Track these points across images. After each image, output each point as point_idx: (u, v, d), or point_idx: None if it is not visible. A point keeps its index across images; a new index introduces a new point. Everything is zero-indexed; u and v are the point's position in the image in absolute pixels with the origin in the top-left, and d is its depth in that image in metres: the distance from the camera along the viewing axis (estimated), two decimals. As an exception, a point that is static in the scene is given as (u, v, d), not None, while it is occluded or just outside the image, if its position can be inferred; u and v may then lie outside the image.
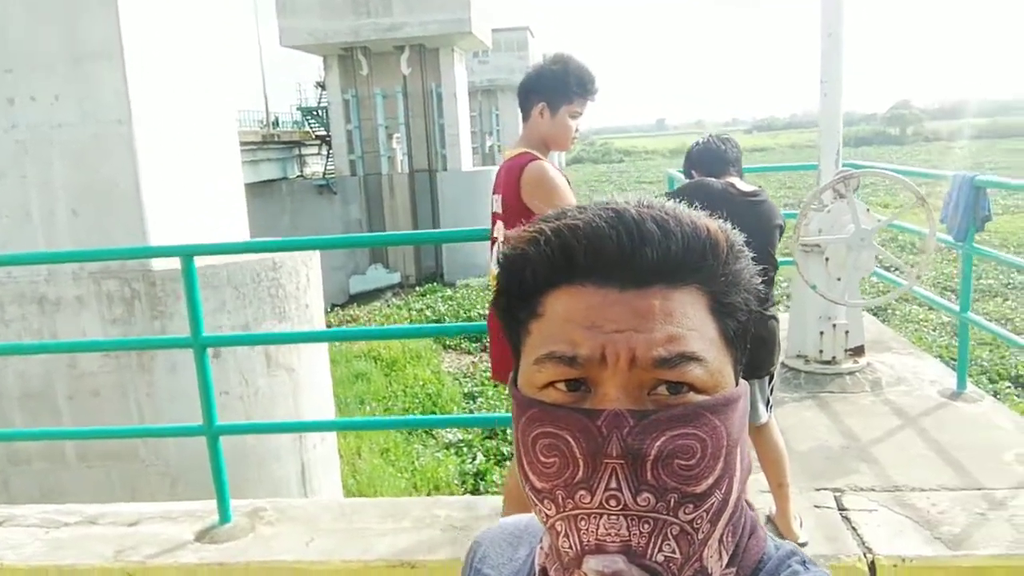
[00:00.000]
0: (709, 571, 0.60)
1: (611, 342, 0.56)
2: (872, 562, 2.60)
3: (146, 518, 3.27)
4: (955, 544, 2.65)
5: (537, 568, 0.68)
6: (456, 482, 8.50)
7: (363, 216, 24.20)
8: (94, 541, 3.10)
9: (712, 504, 0.57)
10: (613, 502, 0.55)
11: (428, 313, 16.83)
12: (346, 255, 21.80)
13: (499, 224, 2.63)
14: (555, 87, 2.57)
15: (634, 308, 0.57)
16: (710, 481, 0.57)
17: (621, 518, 0.55)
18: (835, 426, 3.79)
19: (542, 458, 0.58)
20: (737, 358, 0.62)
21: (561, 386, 0.58)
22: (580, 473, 0.56)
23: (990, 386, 8.96)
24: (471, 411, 10.53)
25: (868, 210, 4.03)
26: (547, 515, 0.59)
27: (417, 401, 10.91)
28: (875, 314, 7.50)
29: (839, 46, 4.27)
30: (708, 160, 2.94)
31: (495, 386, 11.18)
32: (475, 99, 37.34)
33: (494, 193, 2.67)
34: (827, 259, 4.09)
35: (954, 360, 5.17)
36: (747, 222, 3.04)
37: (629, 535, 0.56)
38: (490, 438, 9.28)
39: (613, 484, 0.55)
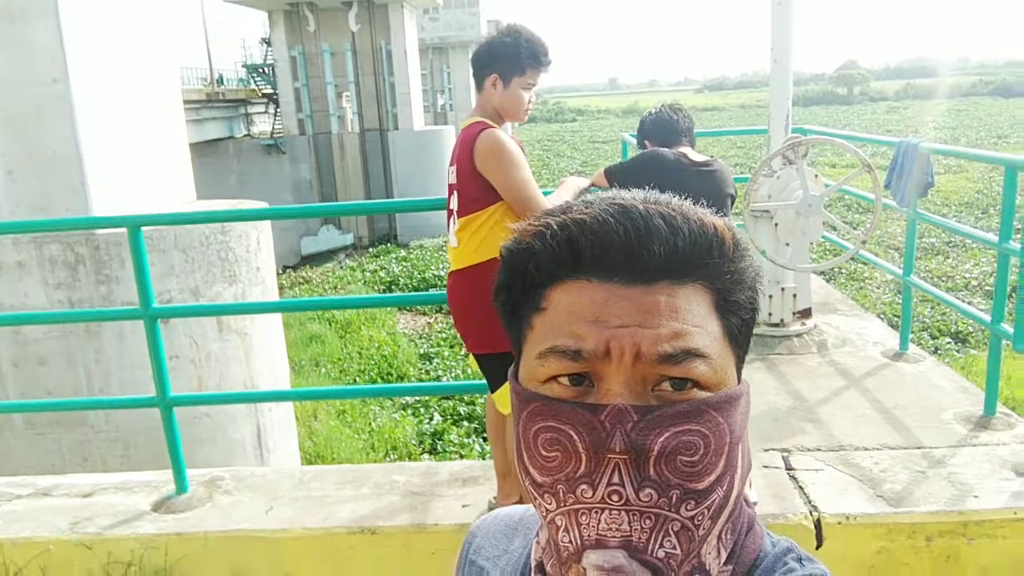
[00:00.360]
0: (707, 567, 0.60)
1: (616, 337, 0.56)
2: (818, 520, 2.71)
3: (100, 489, 3.24)
4: (896, 502, 2.78)
5: (533, 562, 0.68)
6: (414, 443, 8.55)
7: (313, 176, 23.78)
8: (49, 513, 3.06)
9: (714, 501, 0.57)
10: (615, 497, 0.55)
11: (382, 275, 16.70)
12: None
13: (455, 195, 2.62)
14: (507, 59, 2.55)
15: (639, 304, 0.57)
16: (712, 478, 0.57)
17: (623, 513, 0.55)
18: (783, 388, 3.91)
19: (543, 452, 0.58)
20: (740, 356, 0.63)
21: (564, 380, 0.58)
22: (582, 468, 0.56)
23: (932, 342, 9.27)
24: (427, 372, 10.54)
25: (816, 176, 4.11)
26: (547, 509, 0.59)
27: (373, 363, 10.88)
28: (822, 274, 7.69)
29: (789, 14, 4.31)
30: (661, 131, 2.96)
31: (451, 347, 11.22)
32: (426, 57, 36.68)
33: (450, 165, 2.66)
34: (776, 224, 4.17)
35: (897, 319, 5.34)
36: (699, 192, 3.08)
37: (630, 530, 0.55)
38: (447, 399, 9.32)
39: (616, 479, 0.55)
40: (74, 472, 4.55)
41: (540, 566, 0.66)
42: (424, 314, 13.59)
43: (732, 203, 2.92)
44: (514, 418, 0.62)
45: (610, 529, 0.55)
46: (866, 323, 4.87)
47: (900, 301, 5.00)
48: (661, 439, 0.55)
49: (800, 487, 2.91)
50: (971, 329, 9.54)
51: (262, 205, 5.52)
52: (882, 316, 9.05)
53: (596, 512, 0.56)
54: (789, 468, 3.06)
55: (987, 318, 3.46)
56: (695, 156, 2.83)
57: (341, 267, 18.98)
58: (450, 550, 2.86)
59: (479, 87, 2.63)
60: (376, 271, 17.23)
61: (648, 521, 0.55)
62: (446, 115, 38.44)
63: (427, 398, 9.39)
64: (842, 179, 4.13)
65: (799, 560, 0.63)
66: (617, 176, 2.89)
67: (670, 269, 0.57)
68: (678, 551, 0.56)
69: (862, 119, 36.54)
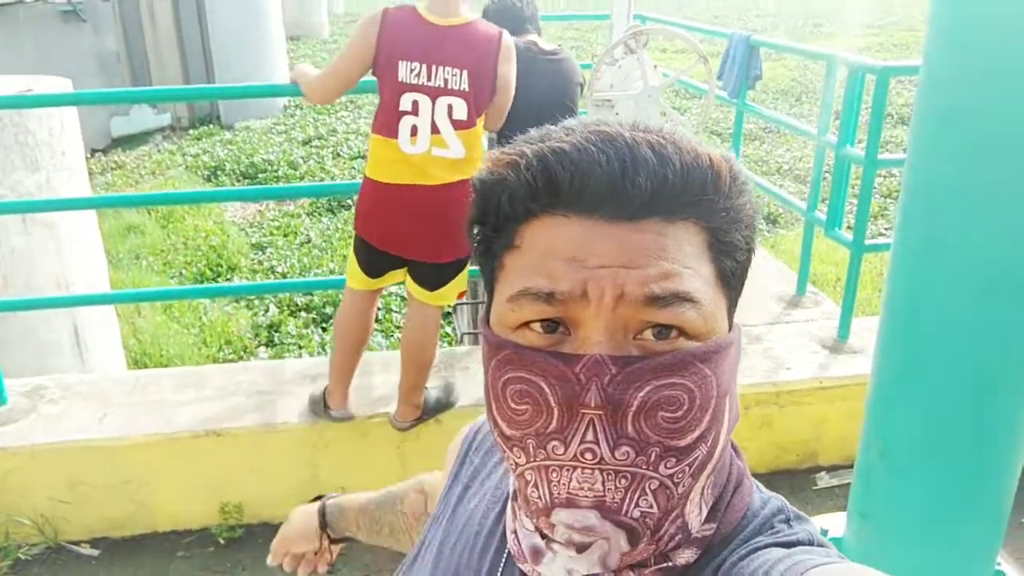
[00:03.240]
0: (689, 525, 0.56)
1: (595, 278, 0.50)
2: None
3: (-102, 406, 2.93)
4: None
5: (510, 489, 0.65)
6: (249, 335, 8.30)
7: (120, 48, 21.45)
8: None
9: (696, 458, 0.52)
10: (589, 455, 0.51)
11: (206, 159, 15.57)
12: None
13: (458, 101, 2.48)
14: None
15: (623, 242, 0.51)
16: (696, 434, 0.52)
17: (596, 472, 0.51)
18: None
19: (513, 404, 0.53)
20: (732, 300, 0.57)
21: (537, 327, 0.53)
22: (554, 423, 0.51)
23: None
24: (260, 263, 10.15)
25: (656, 67, 4.18)
26: (516, 463, 0.55)
27: (200, 254, 10.31)
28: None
29: None
30: (505, 19, 2.89)
31: (285, 236, 10.81)
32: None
33: (445, 66, 2.47)
34: (617, 114, 4.23)
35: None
36: (550, 80, 3.07)
37: (604, 490, 0.51)
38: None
39: (590, 436, 0.50)
40: None
41: (516, 494, 0.62)
42: (254, 200, 12.95)
43: (581, 91, 2.93)
44: (484, 365, 0.57)
45: (582, 488, 0.51)
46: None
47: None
48: (641, 394, 0.50)
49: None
50: (780, 211, 10.34)
51: (64, 82, 4.94)
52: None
53: (568, 470, 0.51)
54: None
55: (803, 205, 3.74)
56: (544, 45, 2.79)
57: (159, 150, 17.55)
58: (300, 447, 2.84)
59: None
60: (198, 155, 16.04)
61: (624, 480, 0.51)
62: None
63: (263, 289, 9.08)
64: (680, 70, 4.23)
65: (787, 521, 0.59)
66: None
67: (659, 205, 0.51)
68: (655, 509, 0.52)
69: (693, 5, 37.40)
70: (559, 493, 0.52)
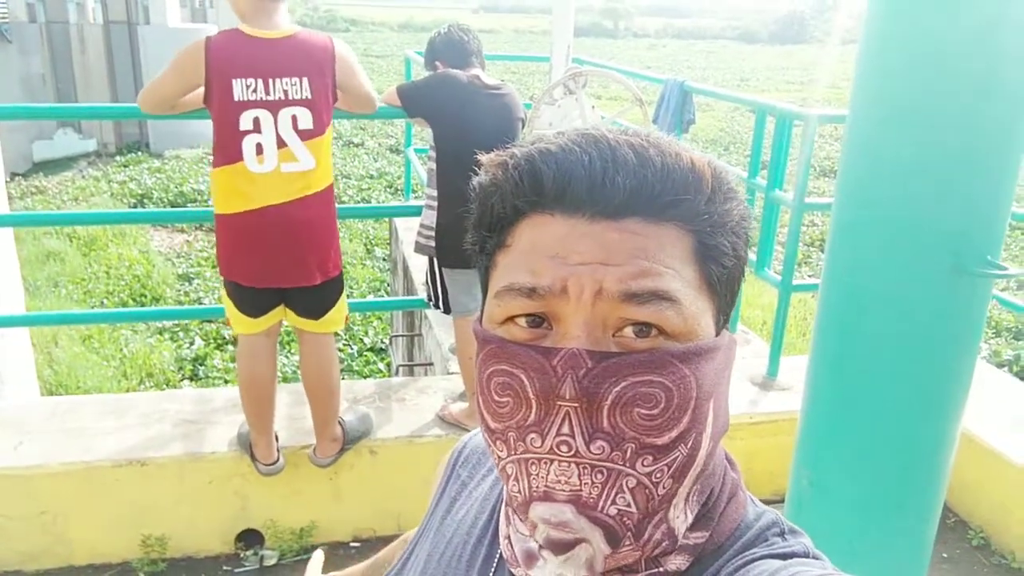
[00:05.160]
0: (675, 531, 0.56)
1: (575, 275, 0.52)
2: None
3: None
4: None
5: (505, 495, 0.63)
6: (172, 369, 8.04)
7: (47, 71, 20.85)
8: None
9: (675, 459, 0.53)
10: (564, 448, 0.51)
11: (133, 187, 15.19)
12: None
13: (303, 111, 2.47)
14: None
15: (604, 240, 0.52)
16: (674, 434, 0.52)
17: (572, 465, 0.52)
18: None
19: (496, 397, 0.55)
20: (720, 307, 0.58)
21: (521, 322, 0.54)
22: (532, 415, 0.53)
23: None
24: (186, 294, 9.88)
25: (593, 107, 4.29)
26: (499, 457, 0.56)
27: (123, 283, 9.99)
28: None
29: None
30: (452, 51, 2.92)
31: (213, 267, 10.56)
32: (182, -56, 33.07)
33: (281, 77, 2.45)
34: (556, 152, 4.32)
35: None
36: (492, 115, 3.10)
37: (580, 484, 0.52)
38: (209, 322, 8.81)
39: (565, 429, 0.51)
40: None
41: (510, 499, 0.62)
42: (182, 231, 12.64)
43: (523, 127, 2.98)
44: (475, 363, 0.58)
45: (559, 482, 0.52)
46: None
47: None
48: (617, 388, 0.51)
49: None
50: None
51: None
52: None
53: (545, 463, 0.52)
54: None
55: (733, 246, 3.86)
56: (487, 79, 2.84)
57: (83, 176, 17.03)
58: (229, 478, 2.76)
59: None
60: (125, 182, 15.63)
61: (600, 475, 0.52)
62: (205, 12, 35.15)
63: (187, 322, 8.83)
64: (616, 111, 4.35)
65: (782, 534, 0.60)
66: (410, 95, 2.82)
67: (639, 204, 0.52)
68: (633, 509, 0.53)
69: (626, 54, 38.54)
70: (537, 487, 0.53)
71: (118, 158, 18.72)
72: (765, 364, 3.45)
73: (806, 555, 0.57)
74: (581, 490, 0.52)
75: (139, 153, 19.07)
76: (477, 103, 2.73)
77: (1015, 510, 2.91)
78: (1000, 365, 6.49)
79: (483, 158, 0.58)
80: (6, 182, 9.08)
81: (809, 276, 8.81)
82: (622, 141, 0.54)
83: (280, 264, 2.48)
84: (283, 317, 2.67)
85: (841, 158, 1.77)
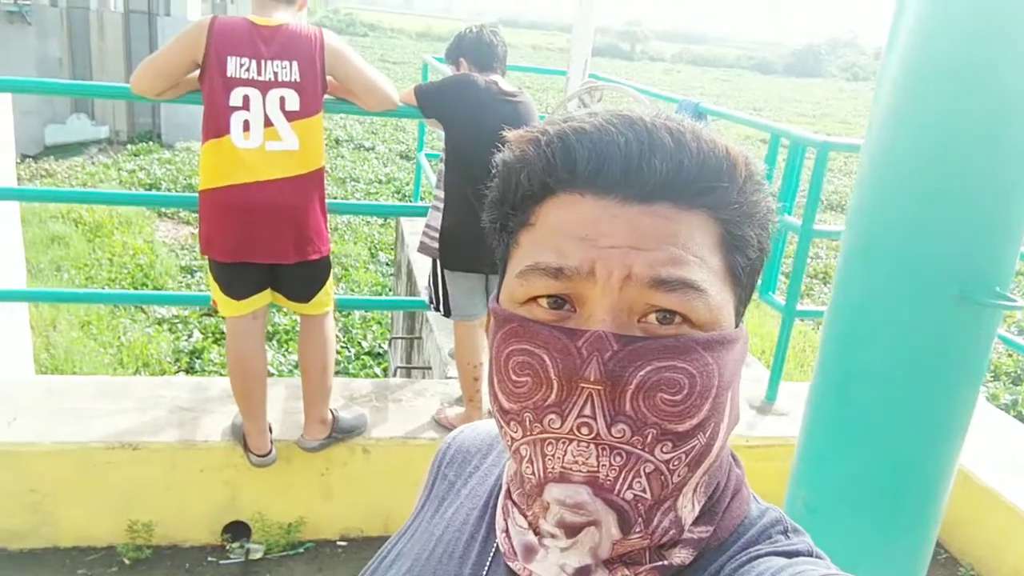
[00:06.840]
0: (683, 521, 0.56)
1: (604, 257, 0.51)
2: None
3: None
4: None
5: (504, 484, 0.63)
6: (168, 360, 8.03)
7: (64, 54, 20.95)
8: None
9: (694, 447, 0.53)
10: (585, 430, 0.51)
11: (142, 176, 15.24)
12: (42, 100, 18.88)
13: (291, 94, 2.54)
14: None
15: (635, 224, 0.52)
16: (695, 421, 0.52)
17: (592, 447, 0.51)
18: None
19: (514, 376, 0.53)
20: (741, 298, 0.58)
21: (544, 302, 0.54)
22: (552, 396, 0.52)
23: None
24: (188, 286, 9.88)
25: (608, 123, 4.31)
26: (512, 438, 0.55)
27: (126, 271, 9.99)
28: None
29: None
30: (479, 52, 2.94)
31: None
32: (207, -60, 33.30)
33: (271, 59, 2.52)
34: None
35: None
36: (507, 121, 3.10)
37: (598, 466, 0.51)
38: (208, 315, 8.80)
39: (587, 411, 0.51)
40: None
41: (508, 493, 0.62)
42: (188, 223, 12.65)
43: (535, 137, 2.98)
44: (489, 342, 0.57)
45: (576, 462, 0.51)
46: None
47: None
48: (641, 373, 0.50)
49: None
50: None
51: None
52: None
53: (563, 443, 0.52)
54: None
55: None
56: (505, 86, 2.84)
57: (93, 163, 17.08)
58: (220, 468, 2.75)
59: None
60: (134, 171, 15.68)
61: (619, 458, 0.51)
62: (226, 6, 35.33)
63: (187, 314, 8.83)
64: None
65: (785, 532, 0.59)
66: (427, 95, 2.83)
67: (673, 190, 0.52)
68: (648, 495, 0.52)
69: (643, 76, 38.73)
70: (553, 467, 0.52)
71: (129, 146, 18.78)
72: (764, 388, 3.44)
73: (809, 554, 0.57)
74: (599, 472, 0.51)
75: (150, 143, 19.13)
76: (492, 108, 2.74)
77: (1007, 549, 2.89)
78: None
79: (511, 134, 0.57)
80: (16, 164, 9.10)
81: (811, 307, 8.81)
82: (659, 124, 0.53)
83: (254, 239, 2.50)
84: (270, 301, 2.68)
85: (855, 183, 1.78)
